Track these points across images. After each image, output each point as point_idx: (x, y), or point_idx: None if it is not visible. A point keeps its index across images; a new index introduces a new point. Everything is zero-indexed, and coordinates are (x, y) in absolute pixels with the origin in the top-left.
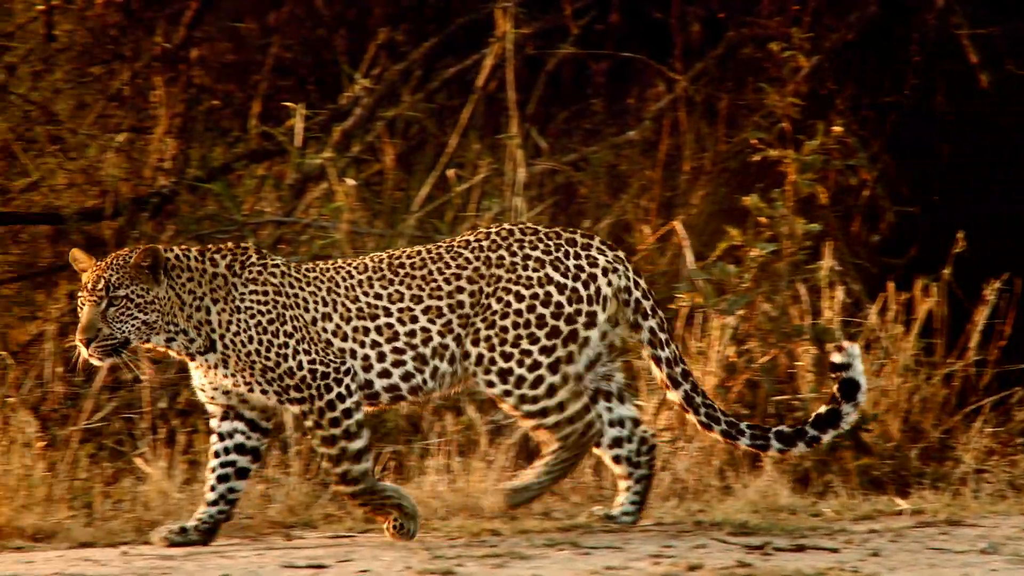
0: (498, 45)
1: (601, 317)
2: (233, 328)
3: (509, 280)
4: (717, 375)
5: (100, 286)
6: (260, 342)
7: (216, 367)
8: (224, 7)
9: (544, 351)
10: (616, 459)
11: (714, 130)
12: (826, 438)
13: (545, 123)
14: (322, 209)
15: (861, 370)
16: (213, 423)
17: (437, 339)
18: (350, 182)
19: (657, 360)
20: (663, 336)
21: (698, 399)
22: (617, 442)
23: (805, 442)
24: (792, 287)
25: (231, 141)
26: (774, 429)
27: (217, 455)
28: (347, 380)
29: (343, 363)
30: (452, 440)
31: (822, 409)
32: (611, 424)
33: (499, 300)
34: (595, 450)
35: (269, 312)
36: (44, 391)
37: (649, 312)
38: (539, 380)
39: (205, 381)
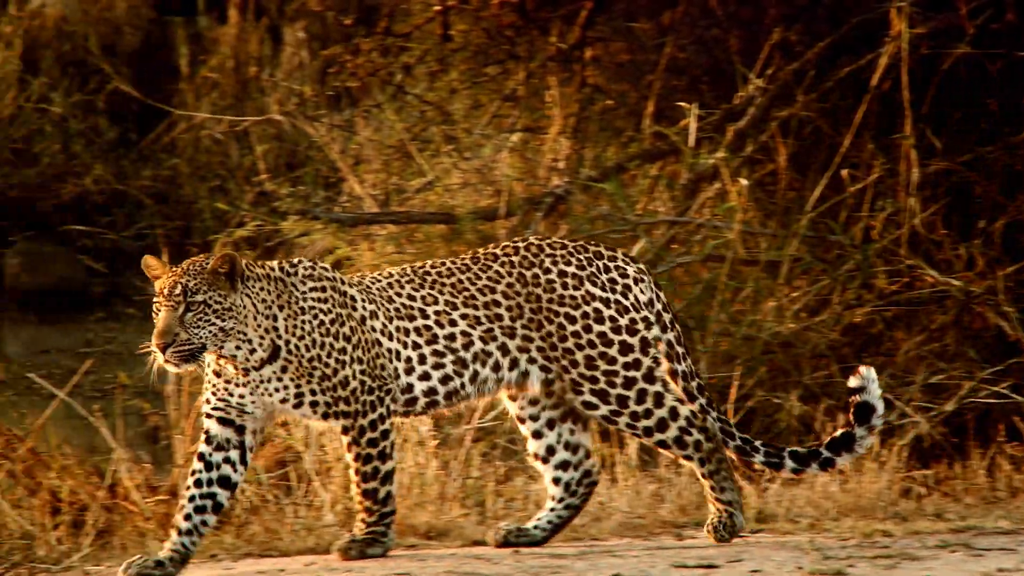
0: (892, 45)
1: (651, 317)
2: (298, 332)
3: (551, 301)
4: None
5: (177, 291)
6: (323, 345)
7: (269, 381)
8: (618, 7)
9: (628, 367)
10: (556, 480)
11: None
12: (840, 461)
13: (939, 123)
14: (715, 209)
15: (878, 394)
16: (203, 447)
17: (479, 344)
18: (743, 182)
19: (673, 373)
20: (680, 350)
21: (713, 414)
22: (564, 465)
23: (819, 463)
24: None
25: (625, 141)
26: (788, 449)
27: (199, 484)
28: (388, 400)
29: (387, 380)
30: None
31: (836, 432)
32: (566, 446)
33: (549, 321)
34: (539, 466)
35: (330, 312)
36: None
37: (668, 325)
38: (643, 394)
39: (247, 399)
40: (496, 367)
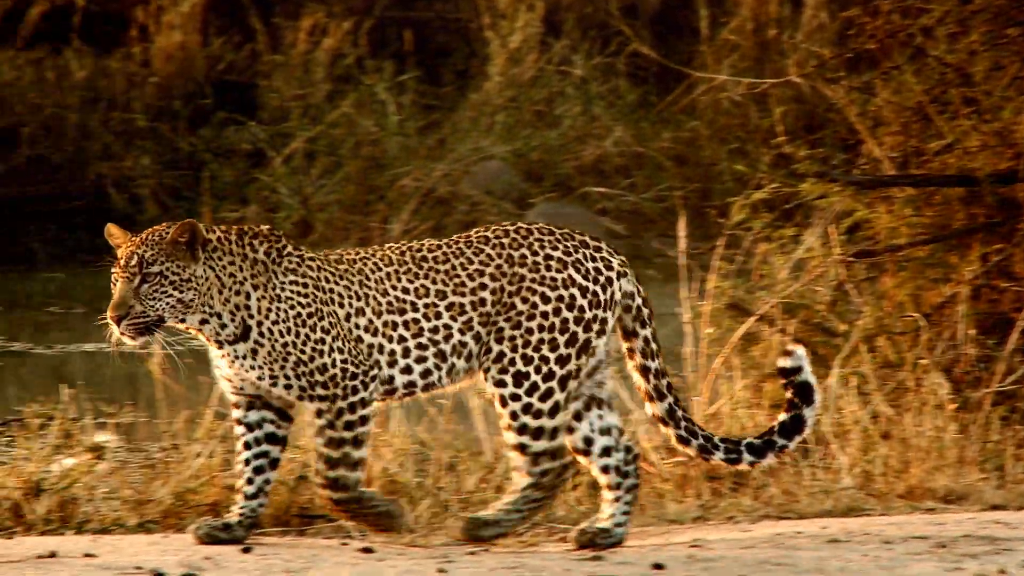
0: None
1: (611, 323)
2: (272, 317)
3: (533, 280)
4: None
5: (133, 262)
6: (298, 335)
7: (244, 358)
8: None
9: (560, 361)
10: (605, 468)
11: None
12: (792, 444)
13: None
14: None
15: (810, 370)
16: (237, 413)
17: (457, 336)
18: None
19: (646, 370)
20: (654, 346)
21: (679, 413)
22: (606, 451)
23: (774, 451)
24: None
25: None
26: (744, 441)
27: (248, 446)
28: (373, 386)
29: (371, 367)
30: None
31: (784, 417)
32: (601, 432)
33: (524, 300)
34: (583, 460)
35: (308, 306)
36: (957, 353)
37: (647, 320)
38: (549, 393)
39: (231, 372)
40: (469, 357)
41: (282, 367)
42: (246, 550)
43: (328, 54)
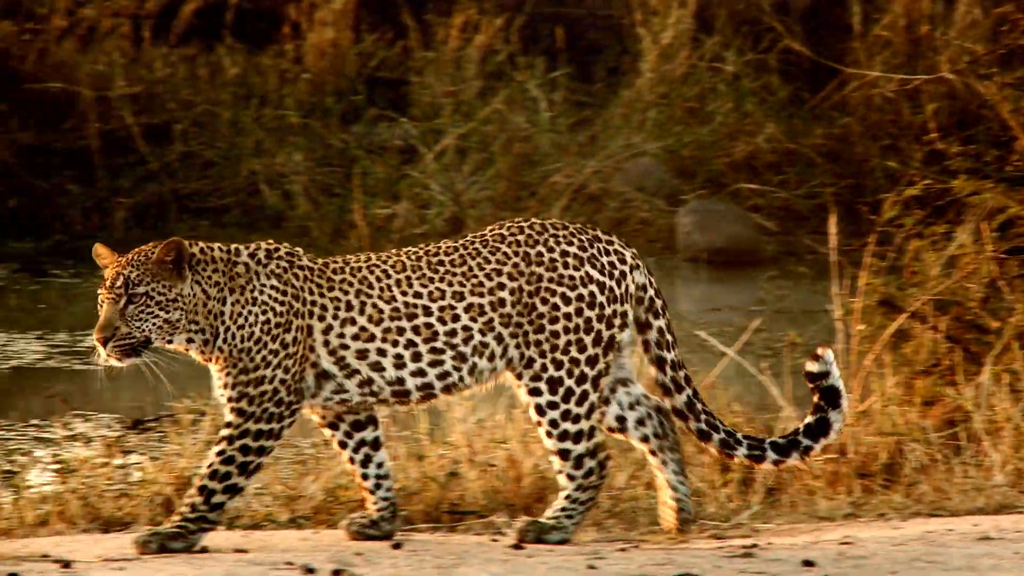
0: None
1: (630, 316)
2: (239, 321)
3: (551, 280)
4: None
5: (119, 283)
6: (257, 340)
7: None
8: None
9: (590, 362)
10: (644, 438)
11: None
12: (818, 447)
13: None
14: None
15: (839, 375)
16: (316, 418)
17: (478, 337)
18: None
19: (661, 361)
20: (670, 338)
21: (699, 406)
22: (640, 421)
23: (799, 452)
24: None
25: None
26: (769, 440)
27: (344, 446)
28: (288, 422)
29: (298, 403)
30: None
31: (810, 419)
32: (631, 406)
33: (544, 302)
34: (618, 436)
35: (280, 316)
36: None
37: (660, 311)
38: (584, 396)
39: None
40: (492, 357)
41: (228, 373)
42: (396, 546)
43: (480, 51)
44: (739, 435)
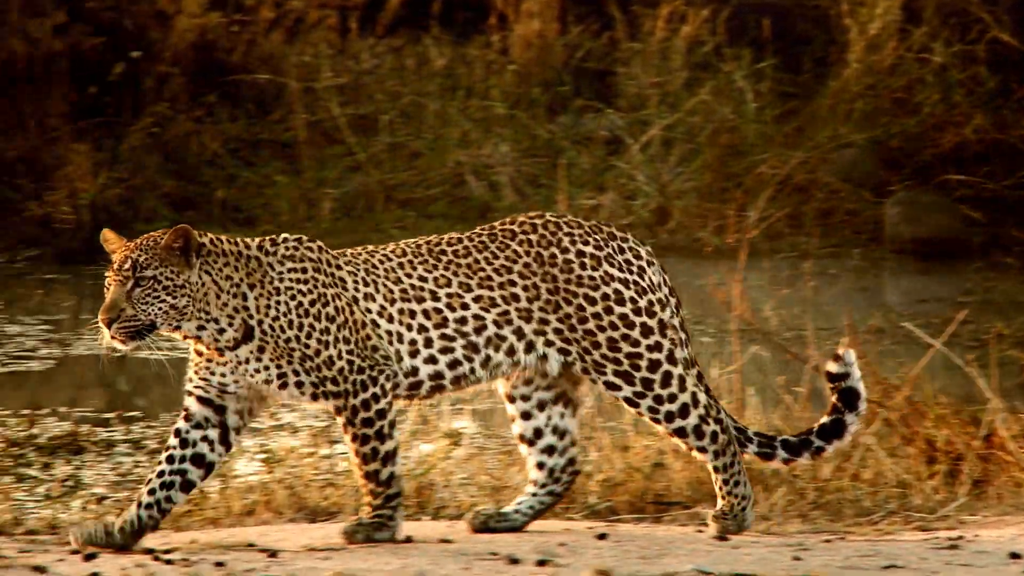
0: None
1: (664, 299)
2: (272, 312)
3: (568, 282)
4: None
5: (127, 266)
6: (301, 326)
7: (247, 361)
8: None
9: (651, 349)
10: (540, 465)
11: None
12: (830, 448)
13: None
14: None
15: (859, 377)
16: (181, 424)
17: (493, 328)
18: None
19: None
20: (683, 335)
21: (714, 405)
22: (549, 450)
23: (810, 452)
24: None
25: None
26: (780, 438)
27: (171, 460)
28: (382, 379)
29: (380, 363)
30: None
31: (825, 419)
32: (554, 431)
33: (568, 303)
34: (522, 447)
35: (310, 292)
36: None
37: (674, 310)
38: (667, 377)
39: (228, 379)
40: (511, 351)
41: (289, 362)
42: (601, 536)
43: (686, 41)
44: (750, 432)
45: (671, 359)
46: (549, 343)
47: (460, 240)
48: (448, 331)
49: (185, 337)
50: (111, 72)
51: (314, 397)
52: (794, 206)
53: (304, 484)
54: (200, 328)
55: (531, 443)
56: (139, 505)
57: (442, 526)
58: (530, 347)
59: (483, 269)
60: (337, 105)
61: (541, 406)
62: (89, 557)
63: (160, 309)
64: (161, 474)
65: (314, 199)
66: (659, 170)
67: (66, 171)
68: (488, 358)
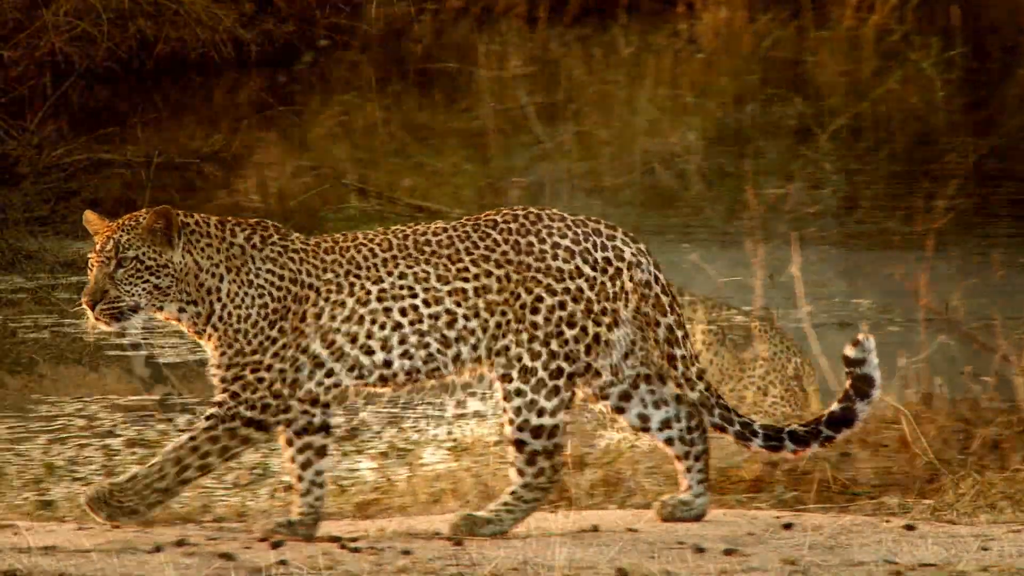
0: None
1: (625, 314)
2: (236, 301)
3: (539, 270)
4: None
5: (109, 247)
6: (255, 323)
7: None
8: None
9: (568, 357)
10: (669, 441)
11: None
12: (839, 436)
13: None
14: None
15: (876, 364)
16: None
17: (462, 322)
18: None
19: (672, 358)
20: (679, 333)
21: (712, 400)
22: (666, 423)
23: (819, 442)
24: None
25: None
26: (787, 429)
27: (290, 443)
28: (280, 417)
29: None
30: None
31: (835, 407)
32: (656, 405)
33: (529, 291)
34: (644, 436)
35: (277, 300)
36: None
37: (667, 309)
38: (555, 391)
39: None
40: (475, 346)
41: (223, 353)
42: (787, 526)
43: (874, 30)
44: (756, 426)
45: (571, 379)
46: (505, 333)
47: (445, 230)
48: (423, 327)
49: (167, 319)
50: (300, 61)
51: (221, 380)
52: (983, 195)
53: (491, 472)
54: (180, 310)
55: (646, 429)
56: (301, 494)
57: (628, 515)
58: (494, 339)
59: (462, 260)
60: (525, 94)
61: (627, 397)
62: (276, 545)
63: (143, 290)
64: (293, 459)
65: (501, 188)
66: (847, 159)
67: (254, 159)
68: (459, 353)
